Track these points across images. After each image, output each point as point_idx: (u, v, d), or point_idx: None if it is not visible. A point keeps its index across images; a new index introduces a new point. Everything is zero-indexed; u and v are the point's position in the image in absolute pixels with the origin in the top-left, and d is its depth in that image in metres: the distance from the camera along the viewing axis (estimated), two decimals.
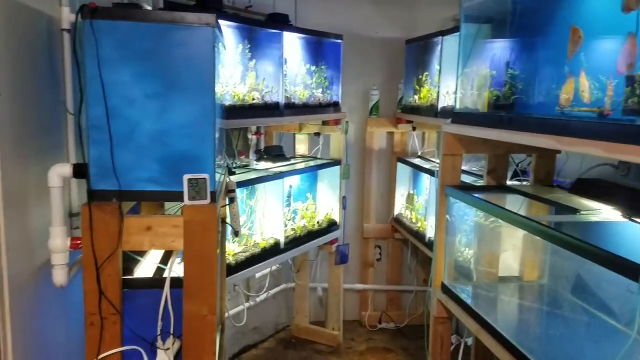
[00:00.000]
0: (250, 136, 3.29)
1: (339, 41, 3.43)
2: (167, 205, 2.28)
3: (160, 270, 1.85)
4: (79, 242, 1.69)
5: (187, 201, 1.66)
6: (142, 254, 1.99)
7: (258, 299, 3.61)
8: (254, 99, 2.66)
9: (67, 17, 1.75)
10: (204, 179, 1.66)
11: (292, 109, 2.98)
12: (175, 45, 1.59)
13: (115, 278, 1.66)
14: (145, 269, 1.92)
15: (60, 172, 1.67)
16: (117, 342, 1.68)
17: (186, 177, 1.65)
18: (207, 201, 1.67)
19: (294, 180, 3.34)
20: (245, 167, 3.06)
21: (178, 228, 1.68)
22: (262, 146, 3.44)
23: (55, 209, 1.68)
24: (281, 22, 2.96)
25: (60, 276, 1.70)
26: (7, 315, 1.54)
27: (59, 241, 1.69)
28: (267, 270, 3.48)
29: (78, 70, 1.62)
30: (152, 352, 1.69)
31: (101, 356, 1.65)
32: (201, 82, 1.64)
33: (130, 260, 1.91)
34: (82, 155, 1.69)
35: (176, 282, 1.71)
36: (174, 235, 1.69)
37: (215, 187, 1.71)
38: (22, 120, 1.62)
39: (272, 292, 3.79)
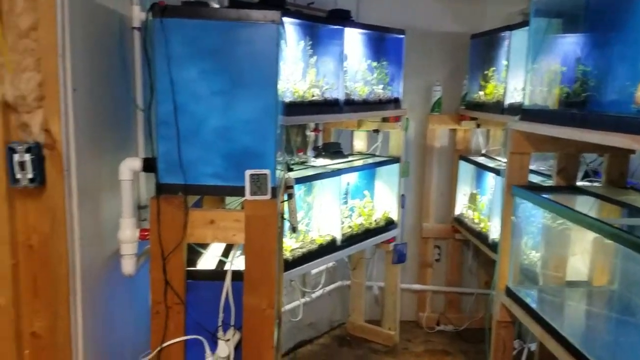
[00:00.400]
0: (308, 133, 3.31)
1: (401, 36, 3.38)
2: (228, 199, 2.33)
3: (221, 263, 1.88)
4: (147, 233, 1.76)
5: (248, 196, 1.68)
6: (205, 246, 2.04)
7: (313, 295, 3.62)
8: (313, 96, 2.67)
9: (138, 15, 1.81)
10: (265, 174, 1.68)
11: (352, 105, 2.96)
12: (240, 42, 1.62)
13: (179, 269, 1.71)
14: (207, 261, 1.97)
15: (130, 165, 1.74)
16: (180, 330, 1.73)
17: (248, 173, 1.68)
18: (268, 196, 1.69)
19: (352, 177, 3.32)
20: (302, 163, 3.07)
21: (239, 222, 1.71)
22: (320, 143, 3.45)
23: (125, 201, 1.75)
24: (342, 17, 2.95)
25: (128, 265, 1.77)
26: (78, 301, 1.62)
27: (128, 232, 1.76)
28: (323, 267, 3.49)
29: (148, 68, 1.68)
30: (213, 342, 1.73)
31: (165, 343, 1.71)
32: (264, 79, 1.66)
33: (193, 252, 1.96)
34: (151, 149, 1.75)
35: (237, 275, 1.74)
36: (235, 229, 1.72)
37: (276, 182, 1.73)
38: (96, 115, 1.70)
39: (328, 288, 3.79)
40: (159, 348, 1.70)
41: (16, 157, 1.48)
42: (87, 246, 1.64)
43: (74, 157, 1.55)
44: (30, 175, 1.49)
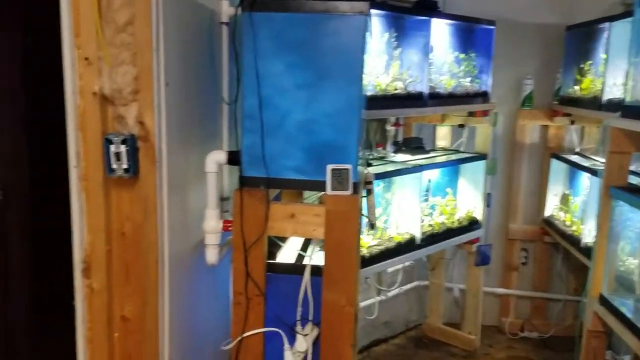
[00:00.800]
0: (388, 127, 3.23)
1: (491, 27, 3.22)
2: (306, 193, 2.33)
3: (300, 257, 1.88)
4: (229, 224, 1.79)
5: (329, 191, 1.66)
6: (284, 239, 2.05)
7: (389, 294, 3.56)
8: (396, 89, 2.60)
9: (226, 10, 1.84)
10: (347, 169, 1.65)
11: (437, 98, 2.86)
12: (327, 34, 1.60)
13: (260, 261, 1.72)
14: (286, 255, 1.97)
15: (216, 158, 1.77)
16: (260, 322, 1.75)
17: (329, 167, 1.65)
18: (349, 192, 1.66)
19: (433, 174, 3.22)
20: (381, 158, 3.01)
21: (319, 217, 1.70)
22: (400, 138, 3.37)
23: (211, 192, 1.79)
24: (429, 8, 2.85)
25: (212, 255, 1.81)
26: (166, 288, 1.68)
27: (212, 222, 1.80)
28: (400, 265, 3.41)
29: (236, 62, 1.70)
30: (291, 335, 1.74)
31: (246, 334, 1.74)
32: (350, 72, 1.63)
33: (273, 244, 1.97)
34: (234, 143, 1.78)
35: (316, 270, 1.73)
36: (315, 223, 1.71)
37: (358, 177, 1.70)
38: (186, 109, 1.74)
39: (404, 287, 3.71)
40: (239, 338, 1.73)
41: (112, 148, 1.55)
42: (174, 235, 1.70)
43: (165, 149, 1.61)
44: (125, 166, 1.56)
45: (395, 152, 3.14)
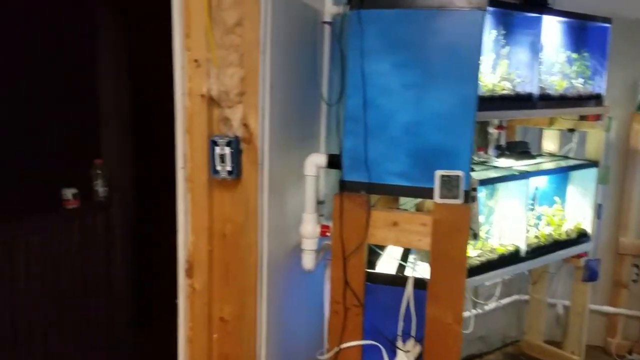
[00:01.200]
0: (491, 130, 3.04)
1: (607, 25, 2.94)
2: (402, 199, 2.22)
3: (401, 267, 1.79)
4: (327, 230, 1.73)
5: (437, 199, 1.56)
6: (382, 247, 1.96)
7: (486, 307, 3.36)
8: (503, 89, 2.43)
9: (330, 9, 1.79)
10: (458, 176, 1.54)
11: (547, 100, 2.64)
12: (440, 31, 1.50)
13: (360, 270, 1.65)
14: (385, 264, 1.89)
15: (315, 161, 1.72)
16: (358, 334, 1.68)
17: (439, 173, 1.55)
18: (460, 200, 1.55)
19: (540, 181, 2.98)
20: (483, 163, 2.83)
21: (425, 226, 1.60)
22: (503, 141, 3.16)
23: (309, 196, 1.75)
24: (540, 4, 2.65)
25: (309, 261, 1.77)
26: (264, 291, 1.65)
27: (310, 227, 1.75)
28: (499, 278, 3.20)
29: (340, 62, 1.64)
30: (391, 350, 1.65)
31: (343, 345, 1.67)
32: (464, 70, 1.52)
33: (371, 252, 1.89)
34: (332, 145, 1.72)
35: (419, 283, 1.63)
36: (421, 233, 1.61)
37: (469, 185, 1.58)
38: (288, 111, 1.71)
39: (502, 301, 3.49)
40: (337, 349, 1.67)
41: (217, 150, 1.55)
42: (273, 238, 1.67)
43: (267, 151, 1.58)
44: (229, 168, 1.55)
45: (498, 156, 2.95)
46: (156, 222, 3.07)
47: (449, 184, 1.54)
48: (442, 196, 1.55)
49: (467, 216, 1.58)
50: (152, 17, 2.69)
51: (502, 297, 3.47)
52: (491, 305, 3.39)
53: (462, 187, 1.54)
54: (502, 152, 2.99)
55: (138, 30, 2.77)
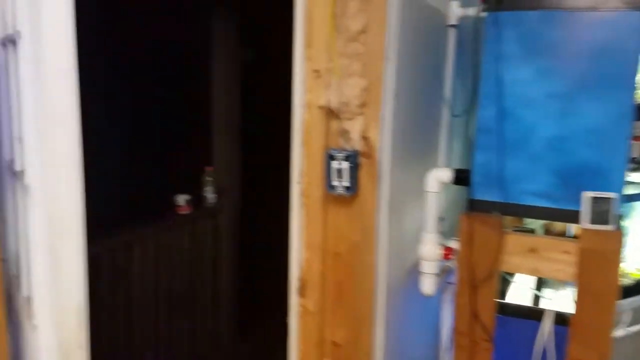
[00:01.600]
0: None
1: None
2: (526, 220, 2.00)
3: (536, 298, 1.60)
4: (451, 252, 1.59)
5: (586, 224, 1.36)
6: (511, 273, 1.77)
7: (614, 335, 3.01)
8: None
9: (456, 11, 1.64)
10: (611, 198, 1.33)
11: None
12: (591, 34, 1.31)
13: (490, 301, 1.49)
14: (518, 293, 1.70)
15: (439, 176, 1.58)
16: None
17: (588, 195, 1.35)
18: (612, 227, 1.34)
19: None
20: None
21: (569, 255, 1.40)
22: (638, 154, 2.81)
23: (430, 214, 1.61)
24: None
25: (428, 285, 1.63)
26: (381, 315, 1.54)
27: (430, 248, 1.61)
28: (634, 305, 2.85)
29: (472, 69, 1.48)
30: None
31: None
32: (619, 79, 1.31)
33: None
34: (452, 159, 1.56)
35: (559, 318, 1.43)
36: (563, 262, 1.41)
37: (621, 209, 1.36)
38: (410, 122, 1.59)
39: (631, 329, 3.11)
40: None
41: (334, 165, 1.45)
42: (391, 259, 1.55)
43: (387, 166, 1.46)
44: (346, 183, 1.45)
45: (633, 170, 2.62)
46: (260, 234, 3.08)
47: (599, 208, 1.34)
48: (592, 221, 1.34)
49: (620, 245, 1.37)
50: (266, 32, 2.74)
51: (631, 324, 3.10)
52: (619, 332, 3.04)
53: (615, 211, 1.33)
54: (637, 165, 2.65)
55: (252, 43, 2.84)
